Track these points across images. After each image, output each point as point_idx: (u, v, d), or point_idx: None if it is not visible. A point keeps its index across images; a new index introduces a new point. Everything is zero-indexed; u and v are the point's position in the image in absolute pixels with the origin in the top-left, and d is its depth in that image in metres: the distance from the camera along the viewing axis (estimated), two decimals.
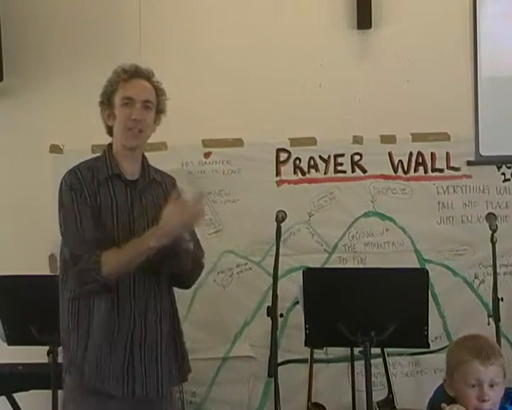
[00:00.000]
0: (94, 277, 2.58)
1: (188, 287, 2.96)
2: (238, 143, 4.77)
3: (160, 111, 2.89)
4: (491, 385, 2.37)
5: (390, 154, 4.74)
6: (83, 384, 2.64)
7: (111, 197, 2.72)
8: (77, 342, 2.66)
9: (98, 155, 2.90)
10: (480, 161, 4.71)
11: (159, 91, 2.88)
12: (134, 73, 2.81)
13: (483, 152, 4.71)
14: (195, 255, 2.80)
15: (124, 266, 2.61)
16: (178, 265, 2.73)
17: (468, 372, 2.37)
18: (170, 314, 2.81)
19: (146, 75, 2.85)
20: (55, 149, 4.73)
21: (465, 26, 4.71)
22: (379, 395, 4.23)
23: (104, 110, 2.84)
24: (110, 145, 2.87)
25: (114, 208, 2.70)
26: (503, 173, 4.72)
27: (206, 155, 4.79)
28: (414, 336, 3.40)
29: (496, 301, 3.78)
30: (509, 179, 4.72)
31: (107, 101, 2.82)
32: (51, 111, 4.69)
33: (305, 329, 3.48)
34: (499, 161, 4.72)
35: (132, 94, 2.78)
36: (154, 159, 4.75)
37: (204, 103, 4.69)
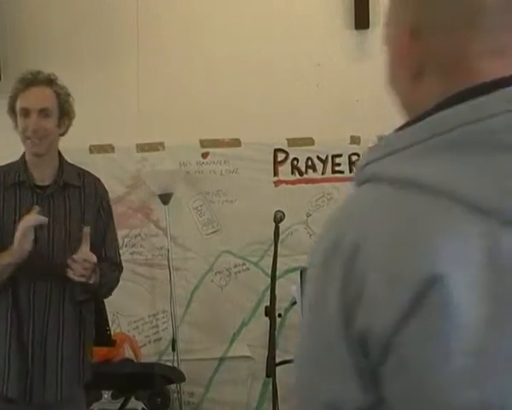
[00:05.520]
0: None
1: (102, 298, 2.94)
2: (236, 143, 4.77)
3: (64, 114, 2.84)
4: None
5: None
6: None
7: (15, 204, 2.72)
8: None
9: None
10: None
11: (60, 96, 2.82)
12: (31, 82, 2.78)
13: None
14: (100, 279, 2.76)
15: None
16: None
17: None
18: (73, 320, 2.78)
19: (46, 81, 2.80)
20: None
21: None
22: None
23: (13, 120, 2.83)
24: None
25: (18, 215, 2.69)
26: None
27: (204, 155, 4.79)
28: None
29: None
30: None
31: (11, 111, 2.81)
32: None
33: None
34: None
35: (28, 104, 2.76)
36: (152, 159, 4.81)
37: (201, 104, 4.69)
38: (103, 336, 3.90)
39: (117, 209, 4.82)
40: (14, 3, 4.84)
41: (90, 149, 4.82)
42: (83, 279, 2.60)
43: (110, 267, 2.83)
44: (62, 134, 2.89)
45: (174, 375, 4.37)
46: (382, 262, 0.90)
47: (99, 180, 2.93)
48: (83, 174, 2.89)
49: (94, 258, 2.63)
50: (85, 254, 2.62)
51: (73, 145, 4.60)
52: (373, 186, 0.98)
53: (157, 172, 4.72)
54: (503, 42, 1.01)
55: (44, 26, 4.82)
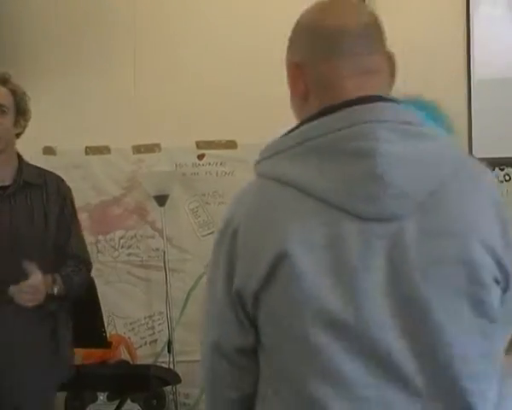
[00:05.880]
0: None
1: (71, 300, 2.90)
2: (231, 144, 4.76)
3: (20, 113, 2.82)
4: None
5: None
6: None
7: None
8: None
9: None
10: None
11: (17, 94, 2.80)
12: None
13: (476, 154, 4.70)
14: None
15: None
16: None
17: None
18: (45, 322, 2.76)
19: (1, 80, 2.78)
20: (48, 150, 4.72)
21: (459, 29, 4.71)
22: None
23: None
24: None
25: None
26: (497, 176, 4.72)
27: (200, 156, 4.78)
28: None
29: None
30: (502, 181, 4.73)
31: None
32: (44, 113, 4.67)
33: None
34: (492, 163, 4.72)
35: None
36: (148, 160, 4.80)
37: (197, 105, 4.68)
38: (99, 337, 3.89)
39: (113, 211, 4.83)
40: (14, 3, 4.83)
41: (86, 151, 4.81)
42: (35, 303, 2.59)
43: (76, 266, 2.81)
44: (19, 135, 2.85)
45: (170, 377, 4.36)
46: (249, 243, 1.26)
47: (62, 179, 2.90)
48: (44, 174, 2.85)
49: (36, 283, 2.59)
50: (31, 282, 2.59)
51: (69, 146, 4.64)
52: (260, 181, 1.39)
53: (153, 173, 4.71)
54: (367, 63, 1.34)
55: (40, 28, 4.81)
